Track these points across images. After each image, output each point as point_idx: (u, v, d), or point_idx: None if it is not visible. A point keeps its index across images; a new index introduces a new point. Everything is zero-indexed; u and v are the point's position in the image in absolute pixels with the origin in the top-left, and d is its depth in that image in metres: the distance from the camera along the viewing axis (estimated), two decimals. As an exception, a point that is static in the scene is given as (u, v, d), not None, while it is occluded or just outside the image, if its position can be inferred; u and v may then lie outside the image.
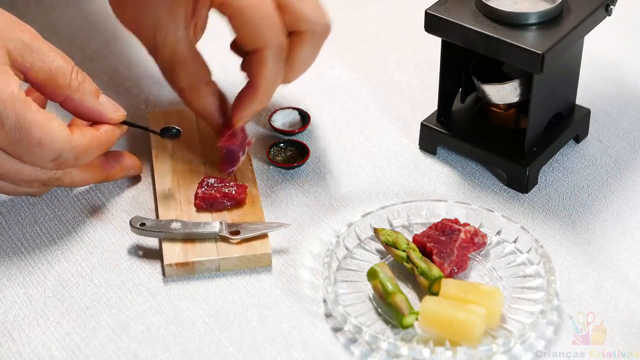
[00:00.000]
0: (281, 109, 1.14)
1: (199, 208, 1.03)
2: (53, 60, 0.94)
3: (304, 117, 1.14)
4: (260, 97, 1.02)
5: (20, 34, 0.93)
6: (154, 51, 1.03)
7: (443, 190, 1.07)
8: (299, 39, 1.01)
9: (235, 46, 1.06)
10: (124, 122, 1.01)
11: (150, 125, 1.12)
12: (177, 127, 1.02)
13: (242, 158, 1.06)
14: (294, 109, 1.14)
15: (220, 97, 1.06)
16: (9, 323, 0.94)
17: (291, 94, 1.18)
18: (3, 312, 0.95)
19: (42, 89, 0.95)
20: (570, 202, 1.05)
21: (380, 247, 1.00)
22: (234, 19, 0.99)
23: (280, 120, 1.13)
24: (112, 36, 1.28)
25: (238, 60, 1.05)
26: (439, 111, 1.11)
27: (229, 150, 1.05)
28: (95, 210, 1.05)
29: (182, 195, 1.05)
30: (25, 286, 0.97)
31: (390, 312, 0.93)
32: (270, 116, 1.14)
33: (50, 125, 0.93)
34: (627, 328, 0.93)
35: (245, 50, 1.01)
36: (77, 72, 0.96)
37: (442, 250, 0.97)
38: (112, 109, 0.99)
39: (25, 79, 0.94)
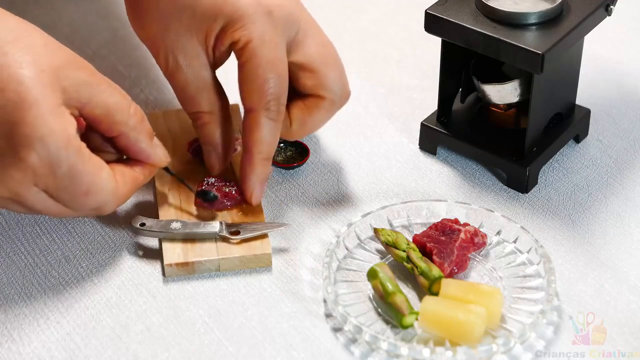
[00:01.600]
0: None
1: (199, 206, 1.03)
2: (110, 95, 0.91)
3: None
4: (256, 162, 1.00)
5: (78, 71, 0.90)
6: (171, 72, 1.00)
7: (443, 190, 1.07)
8: (317, 103, 1.02)
9: None
10: (165, 169, 1.00)
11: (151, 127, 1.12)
12: (214, 193, 1.01)
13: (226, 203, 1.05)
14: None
15: (231, 130, 1.04)
16: (9, 323, 0.94)
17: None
18: (3, 312, 0.95)
19: (98, 125, 0.92)
20: (570, 202, 1.05)
21: (380, 247, 1.00)
22: (244, 69, 0.97)
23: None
24: (112, 36, 1.28)
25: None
26: (439, 111, 1.11)
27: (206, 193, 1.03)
28: (95, 210, 1.05)
29: (182, 195, 1.05)
30: (25, 286, 0.97)
31: (390, 312, 0.93)
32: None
33: (100, 176, 0.91)
34: (627, 328, 0.93)
35: (244, 105, 1.00)
36: (136, 110, 0.94)
37: (442, 250, 0.97)
38: (163, 155, 0.97)
39: (80, 114, 0.91)
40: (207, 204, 1.02)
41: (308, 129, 1.03)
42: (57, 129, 0.87)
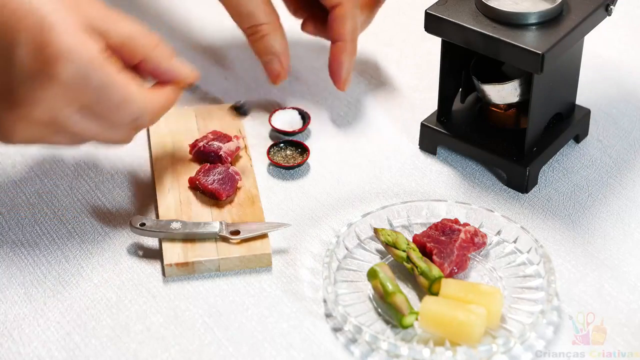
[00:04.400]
0: (281, 108, 1.14)
1: (194, 159, 1.07)
2: (127, 24, 0.95)
3: (304, 117, 1.14)
4: (350, 49, 1.12)
5: (94, 6, 0.94)
6: None
7: (443, 190, 1.07)
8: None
9: (305, 25, 1.17)
10: (192, 88, 1.02)
11: (151, 127, 1.12)
12: (247, 104, 1.06)
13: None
14: (293, 108, 1.14)
15: (286, 40, 1.12)
16: (9, 323, 0.94)
17: (291, 93, 1.18)
18: (3, 312, 0.95)
19: (121, 52, 0.95)
20: (570, 202, 1.06)
21: (380, 247, 1.00)
22: None
23: (280, 120, 1.13)
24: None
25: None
26: (439, 111, 1.11)
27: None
28: (95, 210, 1.05)
29: (182, 195, 1.05)
30: (25, 286, 0.97)
31: (390, 312, 0.93)
32: (270, 116, 1.14)
33: (130, 87, 0.93)
34: (627, 328, 0.93)
35: (327, 5, 1.11)
36: (153, 34, 0.97)
37: (442, 250, 0.97)
38: (189, 70, 1.00)
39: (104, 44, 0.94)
40: (241, 116, 1.06)
41: (361, 27, 1.16)
42: (81, 46, 0.90)
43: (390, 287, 0.93)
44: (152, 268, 0.99)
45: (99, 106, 0.92)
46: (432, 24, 1.04)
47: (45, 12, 0.89)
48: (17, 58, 0.89)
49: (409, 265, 0.96)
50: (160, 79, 0.98)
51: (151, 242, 1.01)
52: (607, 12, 1.04)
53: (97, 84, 0.91)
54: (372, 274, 0.95)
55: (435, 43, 1.11)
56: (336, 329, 0.93)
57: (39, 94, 0.90)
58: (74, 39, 0.90)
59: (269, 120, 1.13)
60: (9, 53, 0.89)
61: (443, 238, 0.98)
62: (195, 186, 1.05)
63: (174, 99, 0.99)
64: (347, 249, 0.99)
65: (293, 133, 1.12)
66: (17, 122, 0.91)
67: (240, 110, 1.05)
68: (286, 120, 1.13)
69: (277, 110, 1.14)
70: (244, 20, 1.11)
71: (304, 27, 1.17)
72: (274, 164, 1.09)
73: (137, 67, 0.96)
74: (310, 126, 1.15)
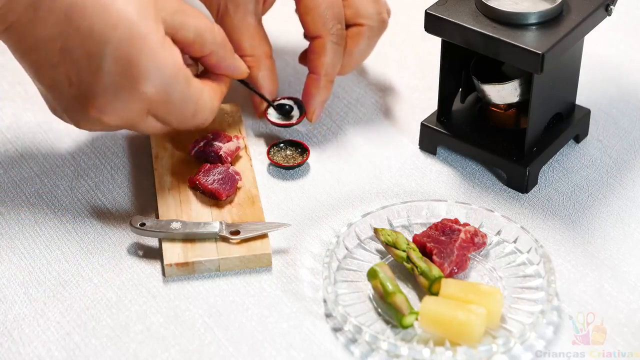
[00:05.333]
0: (274, 100, 1.13)
1: (195, 158, 1.08)
2: (198, 18, 0.98)
3: (300, 107, 1.13)
4: (322, 83, 1.10)
5: (168, 1, 0.97)
6: (220, 17, 1.10)
7: (443, 190, 1.07)
8: (358, 32, 1.11)
9: (303, 58, 1.15)
10: (240, 81, 1.08)
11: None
12: (290, 105, 1.10)
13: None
14: (287, 98, 1.13)
15: (274, 75, 1.12)
16: (9, 323, 0.94)
17: (292, 93, 1.18)
18: (3, 312, 0.95)
19: (190, 47, 0.99)
20: (570, 202, 1.06)
21: (380, 247, 1.00)
22: (303, 2, 1.08)
23: (276, 113, 1.12)
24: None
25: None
26: (439, 111, 1.11)
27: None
28: (95, 210, 1.05)
29: (182, 195, 1.05)
30: (25, 286, 0.97)
31: (390, 312, 0.93)
32: (265, 111, 1.13)
33: (203, 97, 1.00)
34: (627, 328, 0.93)
35: (307, 35, 1.11)
36: (219, 29, 1.02)
37: (442, 250, 0.97)
38: (245, 67, 1.06)
39: (174, 39, 0.97)
40: (281, 116, 1.10)
41: (355, 59, 1.12)
42: (169, 60, 0.94)
43: (390, 287, 0.93)
44: (152, 268, 0.99)
45: (174, 115, 0.98)
46: (432, 24, 1.04)
47: (136, 24, 0.92)
48: (105, 67, 0.92)
49: (409, 265, 0.96)
50: (220, 72, 1.03)
51: (151, 242, 1.01)
52: (607, 12, 1.04)
53: (178, 98, 0.96)
54: (372, 274, 0.95)
55: (435, 43, 1.11)
56: (336, 329, 0.93)
57: (121, 105, 0.94)
58: (161, 52, 0.93)
59: (265, 115, 1.12)
60: (98, 60, 0.92)
61: (443, 238, 0.98)
62: (195, 186, 1.05)
63: (225, 92, 1.05)
64: (347, 249, 0.99)
65: (291, 125, 1.12)
66: (90, 121, 0.96)
67: (283, 110, 1.10)
68: (281, 111, 1.12)
69: (274, 101, 1.13)
70: (233, 48, 1.10)
71: (300, 59, 1.16)
72: (274, 164, 1.09)
73: (202, 59, 1.01)
74: (310, 126, 1.15)
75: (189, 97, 0.97)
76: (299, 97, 1.13)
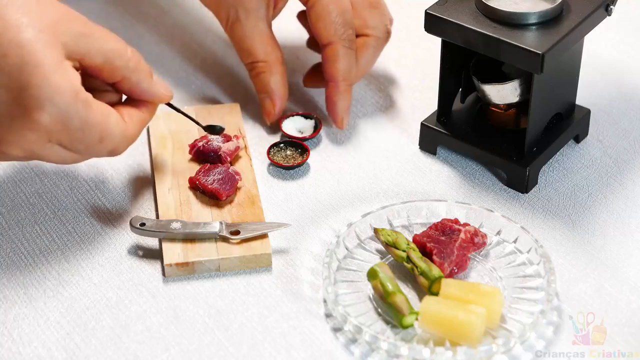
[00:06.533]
0: (291, 114, 1.14)
1: (194, 159, 1.08)
2: (106, 42, 0.94)
3: (316, 123, 1.13)
4: (342, 89, 1.11)
5: (73, 23, 0.92)
6: (231, 25, 1.10)
7: (443, 190, 1.07)
8: (365, 42, 1.12)
9: (311, 43, 1.17)
10: (168, 104, 1.02)
11: (151, 127, 1.12)
12: (221, 125, 1.06)
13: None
14: (300, 114, 1.14)
15: (285, 80, 1.12)
16: (9, 323, 0.94)
17: (291, 93, 1.18)
18: (3, 312, 0.95)
19: (99, 73, 0.95)
20: (570, 202, 1.05)
21: (380, 247, 1.00)
22: (314, 9, 1.09)
23: (292, 125, 1.13)
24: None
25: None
26: (439, 111, 1.11)
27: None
28: (95, 210, 1.05)
29: (182, 195, 1.05)
30: (25, 286, 0.97)
31: (390, 312, 0.93)
32: (281, 122, 1.13)
33: (109, 122, 0.94)
34: (627, 328, 0.93)
35: (319, 43, 1.11)
36: (133, 52, 0.96)
37: (442, 250, 0.97)
38: (164, 89, 1.00)
39: (81, 65, 0.93)
40: (215, 134, 1.06)
41: (362, 69, 1.13)
42: (64, 85, 0.89)
43: (390, 287, 0.93)
44: (152, 268, 0.99)
45: (78, 143, 0.93)
46: (432, 24, 1.04)
47: (28, 50, 0.88)
48: None
49: (409, 265, 0.96)
50: (137, 98, 0.98)
51: (151, 242, 1.01)
52: (607, 12, 1.04)
53: (77, 125, 0.91)
54: (372, 274, 0.95)
55: (435, 43, 1.11)
56: (336, 329, 0.93)
57: (18, 137, 0.90)
58: (56, 78, 0.89)
59: (280, 126, 1.13)
60: None
61: (443, 238, 0.98)
62: (195, 186, 1.05)
63: (149, 119, 1.00)
64: (347, 249, 0.99)
65: (304, 139, 1.12)
66: None
67: (214, 131, 1.06)
68: (298, 125, 1.13)
69: (288, 116, 1.14)
70: (244, 55, 1.12)
71: (305, 81, 1.17)
72: (274, 164, 1.09)
73: (116, 85, 0.97)
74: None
75: (90, 123, 0.92)
76: (298, 108, 1.14)
